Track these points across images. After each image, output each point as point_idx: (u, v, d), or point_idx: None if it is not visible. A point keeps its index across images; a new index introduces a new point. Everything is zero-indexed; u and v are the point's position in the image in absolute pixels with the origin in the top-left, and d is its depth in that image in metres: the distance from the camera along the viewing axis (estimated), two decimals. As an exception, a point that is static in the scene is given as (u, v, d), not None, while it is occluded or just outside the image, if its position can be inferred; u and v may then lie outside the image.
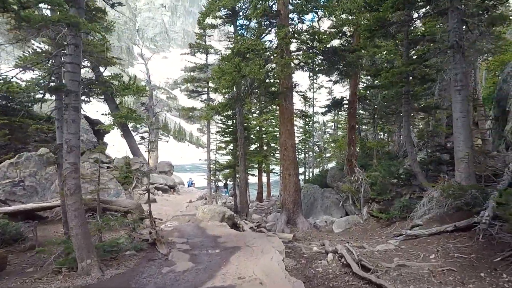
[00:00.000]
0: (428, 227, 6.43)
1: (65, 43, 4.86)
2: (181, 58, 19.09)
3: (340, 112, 33.65)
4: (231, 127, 16.91)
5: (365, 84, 17.38)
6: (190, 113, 16.59)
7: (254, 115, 23.35)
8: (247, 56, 9.67)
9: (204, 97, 16.60)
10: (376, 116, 17.47)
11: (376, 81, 15.07)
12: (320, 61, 10.39)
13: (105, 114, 18.35)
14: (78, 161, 4.98)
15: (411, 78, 9.46)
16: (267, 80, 10.75)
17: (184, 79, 16.08)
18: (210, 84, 14.99)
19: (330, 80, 16.72)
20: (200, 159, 16.31)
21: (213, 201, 16.05)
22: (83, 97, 21.00)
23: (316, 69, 11.24)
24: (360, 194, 10.54)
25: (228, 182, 19.86)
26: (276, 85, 11.51)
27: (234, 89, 12.37)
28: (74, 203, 4.89)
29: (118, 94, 19.85)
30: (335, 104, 14.62)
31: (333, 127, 33.54)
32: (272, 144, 25.59)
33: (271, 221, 14.76)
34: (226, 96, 11.92)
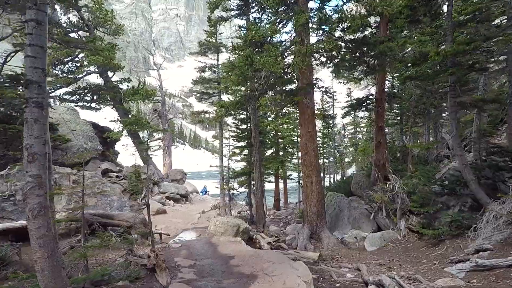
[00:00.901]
0: (504, 254, 4.87)
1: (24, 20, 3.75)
2: (196, 65, 18.28)
3: (361, 114, 31.92)
4: (245, 132, 15.71)
5: (389, 83, 15.80)
6: (201, 116, 15.52)
7: (270, 119, 22.10)
8: (263, 47, 8.46)
9: (216, 99, 15.52)
10: (404, 116, 15.82)
11: (410, 73, 13.55)
12: (345, 51, 8.99)
13: (114, 121, 17.51)
14: (44, 173, 3.82)
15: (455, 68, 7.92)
16: (285, 76, 9.46)
17: (193, 80, 15.07)
18: (222, 86, 13.90)
19: (351, 78, 15.23)
20: (211, 166, 15.22)
21: (227, 211, 14.79)
22: (92, 104, 20.53)
23: (340, 63, 9.83)
24: (396, 205, 8.98)
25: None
26: (294, 81, 10.20)
27: (248, 89, 11.18)
28: (38, 228, 3.73)
29: (127, 100, 19.17)
30: (359, 103, 13.12)
31: (351, 131, 31.81)
32: (289, 149, 24.21)
33: (291, 234, 13.33)
34: (238, 94, 10.70)
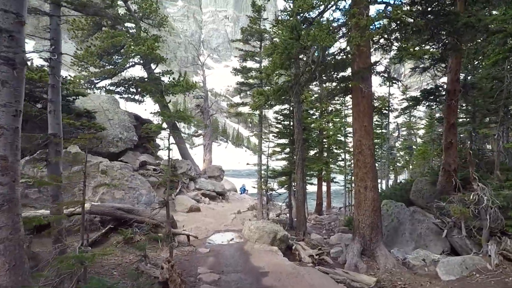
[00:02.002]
0: None
1: None
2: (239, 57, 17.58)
3: (417, 113, 28.50)
4: (288, 128, 14.27)
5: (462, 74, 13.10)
6: (239, 109, 14.40)
7: (314, 117, 20.34)
8: (312, 26, 6.99)
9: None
10: (477, 113, 13.05)
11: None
12: (416, 24, 7.09)
13: (154, 113, 17.12)
14: (12, 154, 2.83)
15: None
16: (337, 58, 7.85)
17: (234, 68, 14.01)
18: (263, 74, 12.61)
19: (414, 69, 12.91)
20: (248, 163, 14.11)
21: (264, 213, 13.47)
22: (136, 96, 20.71)
23: (406, 42, 7.92)
24: (481, 223, 6.87)
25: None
26: (348, 66, 8.54)
27: (292, 76, 9.72)
28: (-2, 228, 2.73)
29: (169, 92, 18.85)
30: (426, 96, 10.88)
31: (404, 132, 28.47)
32: (335, 150, 22.17)
33: (336, 245, 11.60)
34: (280, 80, 9.31)
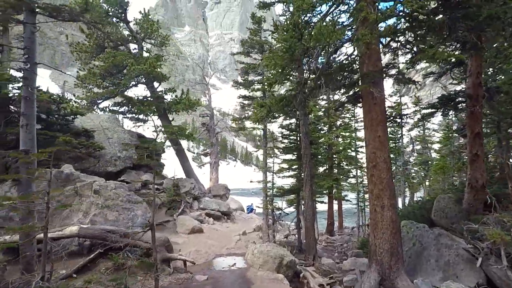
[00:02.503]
0: None
1: None
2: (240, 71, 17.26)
3: (431, 126, 27.30)
4: (294, 143, 13.45)
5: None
6: (243, 123, 13.71)
7: (323, 132, 19.52)
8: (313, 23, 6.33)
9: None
10: (503, 122, 11.95)
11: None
12: (432, 22, 6.31)
13: (156, 131, 16.67)
14: None
15: None
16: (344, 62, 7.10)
17: (235, 82, 13.45)
18: (265, 82, 11.99)
19: (428, 75, 12.04)
20: (251, 181, 13.18)
21: (270, 235, 12.40)
22: (140, 116, 20.31)
23: (421, 43, 7.12)
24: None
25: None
26: (356, 70, 7.77)
27: (294, 85, 9.01)
28: None
29: (173, 110, 18.42)
30: (446, 102, 9.93)
31: (417, 147, 27.14)
32: (346, 167, 21.09)
33: (350, 271, 10.44)
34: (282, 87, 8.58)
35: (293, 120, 13.19)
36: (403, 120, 14.85)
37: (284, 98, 7.42)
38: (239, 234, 13.53)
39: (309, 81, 7.45)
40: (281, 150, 13.54)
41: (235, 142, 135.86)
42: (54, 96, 11.21)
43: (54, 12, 4.89)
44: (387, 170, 7.52)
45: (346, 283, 8.79)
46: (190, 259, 8.13)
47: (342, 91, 8.06)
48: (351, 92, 8.45)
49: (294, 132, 13.43)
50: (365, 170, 18.29)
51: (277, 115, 8.34)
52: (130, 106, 18.69)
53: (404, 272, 7.23)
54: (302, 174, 12.00)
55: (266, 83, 8.41)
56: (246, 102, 13.66)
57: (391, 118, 10.01)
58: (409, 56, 8.05)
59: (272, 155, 12.60)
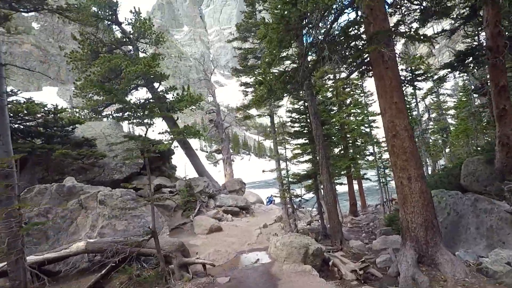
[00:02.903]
0: None
1: None
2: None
3: (444, 91, 26.02)
4: (305, 126, 12.79)
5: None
6: (246, 112, 13.11)
7: (332, 112, 18.70)
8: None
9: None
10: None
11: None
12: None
13: (162, 133, 16.32)
14: None
15: None
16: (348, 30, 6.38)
17: (233, 69, 12.85)
18: (262, 61, 11.33)
19: (441, 33, 11.05)
20: (264, 171, 12.68)
21: (291, 224, 11.89)
22: (145, 120, 19.95)
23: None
24: None
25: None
26: (361, 36, 7.02)
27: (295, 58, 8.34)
28: None
29: (176, 109, 17.99)
30: (463, 58, 9.03)
31: (433, 115, 25.85)
32: (361, 144, 20.24)
33: (382, 251, 9.82)
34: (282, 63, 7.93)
35: (301, 103, 12.53)
36: (418, 81, 13.81)
37: (284, 73, 6.78)
38: (259, 228, 13.09)
39: (311, 54, 6.77)
40: (292, 135, 12.91)
41: (246, 136, 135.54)
42: (49, 107, 10.90)
43: (13, 2, 4.42)
44: (409, 139, 6.83)
45: (380, 264, 8.19)
46: (208, 262, 7.71)
47: (349, 62, 7.33)
48: (359, 61, 7.72)
49: (303, 116, 12.77)
50: (382, 145, 17.47)
51: (280, 95, 7.68)
52: (133, 111, 18.42)
53: (443, 245, 6.58)
54: (317, 157, 11.37)
55: (264, 62, 7.75)
56: (248, 90, 13.05)
57: (405, 81, 9.19)
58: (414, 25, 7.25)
59: (283, 141, 11.99)
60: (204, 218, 13.30)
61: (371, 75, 7.91)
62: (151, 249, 7.65)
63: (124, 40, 17.75)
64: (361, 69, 8.07)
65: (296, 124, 13.32)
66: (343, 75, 19.18)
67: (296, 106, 12.83)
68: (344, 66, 7.97)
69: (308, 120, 12.77)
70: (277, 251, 8.18)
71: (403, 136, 6.80)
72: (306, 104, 12.20)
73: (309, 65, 7.21)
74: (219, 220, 14.24)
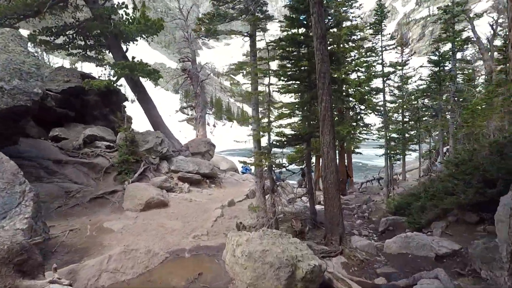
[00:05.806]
0: None
1: None
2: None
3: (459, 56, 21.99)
4: (302, 58, 8.46)
5: None
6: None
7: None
8: None
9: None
10: None
11: None
12: None
13: (100, 65, 11.27)
14: None
15: None
16: None
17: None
18: None
19: None
20: (236, 141, 8.62)
21: (268, 211, 7.84)
22: (92, 52, 14.71)
23: None
24: None
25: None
26: None
27: None
28: None
29: (124, 34, 12.87)
30: None
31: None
32: (362, 111, 16.24)
33: (400, 256, 6.22)
34: None
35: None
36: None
37: None
38: (221, 206, 9.07)
39: None
40: (280, 75, 8.54)
41: (230, 102, 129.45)
42: None
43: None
44: None
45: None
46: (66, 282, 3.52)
47: None
48: None
49: (302, 45, 8.36)
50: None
51: None
52: (71, 37, 13.21)
53: None
54: (318, 108, 7.19)
55: None
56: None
57: None
58: None
59: (267, 75, 7.59)
60: (143, 187, 9.05)
61: None
62: None
63: None
64: None
65: (288, 64, 8.92)
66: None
67: (292, 31, 8.38)
68: None
69: (307, 51, 8.41)
70: (236, 266, 4.14)
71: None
72: (308, 23, 7.79)
73: None
74: (168, 190, 10.08)
